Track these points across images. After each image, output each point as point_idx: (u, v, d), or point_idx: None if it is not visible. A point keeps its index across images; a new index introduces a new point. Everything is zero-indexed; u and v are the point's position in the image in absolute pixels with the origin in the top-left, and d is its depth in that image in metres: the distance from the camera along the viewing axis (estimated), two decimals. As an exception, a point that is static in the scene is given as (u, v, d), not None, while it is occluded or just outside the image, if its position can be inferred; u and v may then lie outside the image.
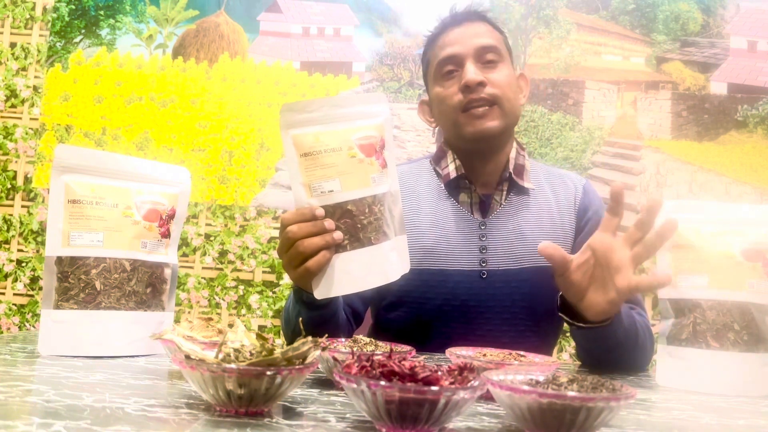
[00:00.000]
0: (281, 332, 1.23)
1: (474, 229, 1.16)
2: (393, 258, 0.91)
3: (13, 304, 2.38)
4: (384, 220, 0.91)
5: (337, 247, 0.87)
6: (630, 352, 1.03)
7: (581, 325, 0.98)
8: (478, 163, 1.19)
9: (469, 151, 1.18)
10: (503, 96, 1.13)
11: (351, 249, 0.88)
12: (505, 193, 1.19)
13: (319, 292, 0.88)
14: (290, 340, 1.11)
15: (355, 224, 0.88)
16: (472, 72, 1.12)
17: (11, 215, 2.41)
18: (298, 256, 0.87)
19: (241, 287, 2.38)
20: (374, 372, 0.58)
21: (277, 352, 0.60)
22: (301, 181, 0.88)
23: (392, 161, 0.94)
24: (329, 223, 0.86)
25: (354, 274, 0.88)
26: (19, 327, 2.37)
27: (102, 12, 2.47)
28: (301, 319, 1.02)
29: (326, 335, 0.80)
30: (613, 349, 1.00)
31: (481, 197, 1.18)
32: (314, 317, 1.01)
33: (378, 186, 0.90)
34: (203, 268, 2.39)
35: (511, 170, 1.18)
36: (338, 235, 0.86)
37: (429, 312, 1.15)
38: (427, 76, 1.24)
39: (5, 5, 2.46)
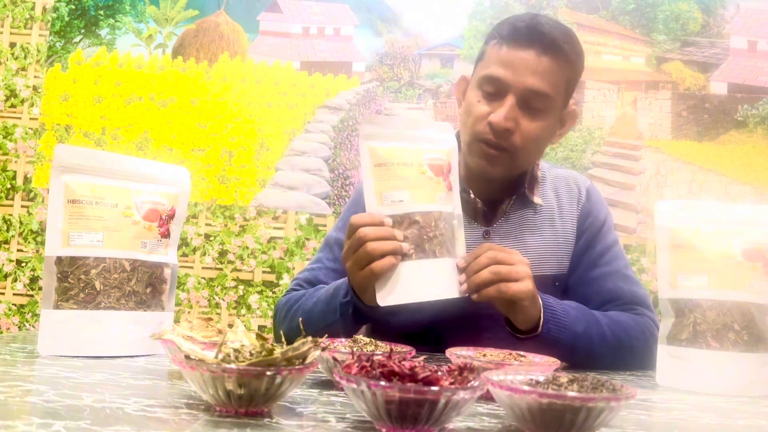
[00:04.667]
0: (275, 323, 1.22)
1: (477, 238, 1.15)
2: (454, 275, 0.95)
3: (12, 304, 2.38)
4: (449, 236, 0.95)
5: (402, 256, 0.91)
6: (600, 355, 1.02)
7: (519, 337, 1.01)
8: (482, 180, 1.16)
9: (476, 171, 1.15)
10: (524, 150, 1.08)
11: (416, 258, 0.91)
12: (511, 202, 1.17)
13: (382, 299, 0.90)
14: (288, 336, 1.11)
15: (421, 235, 0.91)
16: (503, 116, 1.04)
17: (11, 215, 2.41)
18: (365, 257, 0.89)
19: (241, 287, 2.38)
20: (374, 372, 0.58)
21: (277, 352, 0.60)
22: (373, 189, 0.92)
23: (456, 186, 0.98)
24: (398, 234, 0.90)
25: (417, 283, 0.91)
26: (19, 327, 2.37)
27: (102, 12, 2.47)
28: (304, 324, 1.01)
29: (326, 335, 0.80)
30: (574, 353, 0.99)
31: (486, 206, 1.16)
32: (352, 329, 1.04)
33: (444, 205, 0.95)
34: (203, 268, 2.39)
35: (525, 186, 1.16)
36: (406, 245, 0.90)
37: (428, 319, 1.14)
38: (477, 62, 1.13)
39: (5, 5, 2.46)
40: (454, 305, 1.13)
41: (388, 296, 0.90)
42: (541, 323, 0.98)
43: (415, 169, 0.93)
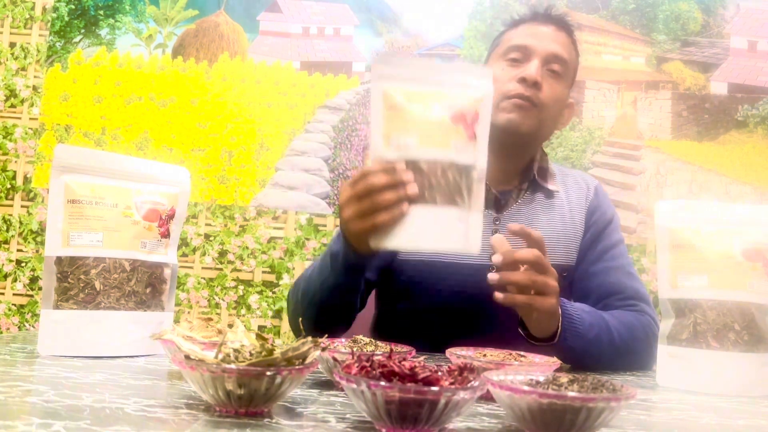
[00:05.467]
0: (288, 306, 1.21)
1: (488, 224, 1.17)
2: (459, 228, 0.87)
3: (12, 305, 2.38)
4: (457, 188, 0.87)
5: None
6: (606, 359, 1.02)
7: (533, 342, 1.00)
8: (493, 158, 1.17)
9: (491, 142, 1.17)
10: (548, 107, 1.15)
11: (412, 203, 0.85)
12: (523, 191, 1.20)
13: (374, 242, 0.86)
14: (303, 310, 1.11)
15: (422, 181, 0.85)
16: (535, 70, 1.13)
17: (11, 215, 2.41)
18: (369, 209, 0.85)
19: (241, 287, 2.38)
20: (374, 372, 0.58)
21: (277, 353, 0.60)
22: (381, 131, 0.86)
23: (483, 138, 0.90)
24: (408, 175, 0.84)
25: (411, 230, 0.86)
26: (19, 327, 2.37)
27: (101, 12, 2.47)
28: (302, 320, 1.01)
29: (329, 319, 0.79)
30: (584, 359, 1.00)
31: (497, 193, 1.19)
32: (342, 285, 1.02)
33: (459, 153, 0.86)
34: (203, 268, 2.39)
35: (535, 172, 1.20)
36: (412, 189, 0.83)
37: (436, 304, 1.15)
38: (491, 53, 1.24)
39: (5, 5, 2.46)
40: (455, 305, 1.13)
41: (381, 240, 0.86)
42: (558, 333, 0.97)
43: (430, 114, 0.87)
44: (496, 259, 0.94)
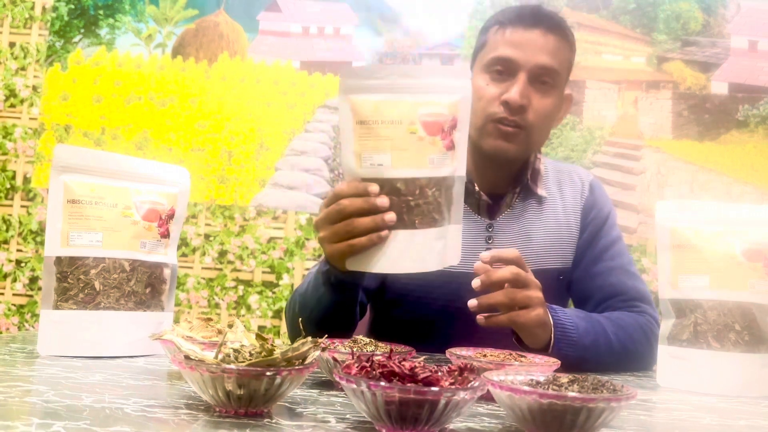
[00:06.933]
0: (286, 318, 1.18)
1: (481, 231, 1.16)
2: (437, 247, 0.86)
3: (12, 305, 2.38)
4: (436, 205, 0.85)
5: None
6: (605, 363, 1.01)
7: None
8: (488, 168, 1.17)
9: (482, 156, 1.16)
10: (536, 126, 1.10)
11: (391, 229, 0.84)
12: (515, 195, 1.18)
13: (350, 264, 0.85)
14: (297, 328, 1.05)
15: (400, 203, 0.84)
16: (518, 92, 1.07)
17: (10, 215, 2.41)
18: (344, 233, 0.84)
19: (241, 287, 2.38)
20: (374, 373, 0.58)
21: (277, 353, 0.59)
22: (352, 149, 0.84)
23: (463, 144, 0.87)
24: (382, 201, 0.82)
25: (389, 254, 0.84)
26: (19, 327, 2.37)
27: (101, 11, 2.47)
28: (301, 320, 1.01)
29: (329, 333, 0.79)
30: (582, 365, 0.98)
31: (490, 199, 1.17)
32: (338, 302, 0.99)
33: (436, 168, 0.84)
34: (203, 268, 2.39)
35: (528, 177, 1.17)
36: (390, 216, 0.82)
37: (431, 312, 1.14)
38: (477, 52, 1.17)
39: (4, 5, 2.45)
40: (448, 314, 1.13)
41: (356, 263, 0.85)
42: (551, 344, 0.96)
43: (404, 128, 0.83)
44: (475, 284, 0.93)
